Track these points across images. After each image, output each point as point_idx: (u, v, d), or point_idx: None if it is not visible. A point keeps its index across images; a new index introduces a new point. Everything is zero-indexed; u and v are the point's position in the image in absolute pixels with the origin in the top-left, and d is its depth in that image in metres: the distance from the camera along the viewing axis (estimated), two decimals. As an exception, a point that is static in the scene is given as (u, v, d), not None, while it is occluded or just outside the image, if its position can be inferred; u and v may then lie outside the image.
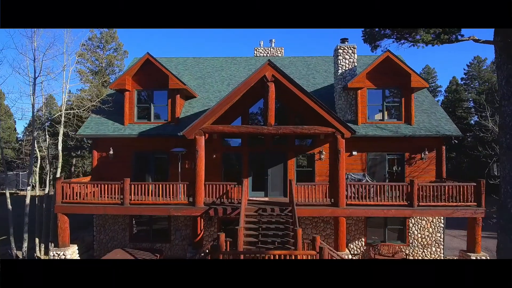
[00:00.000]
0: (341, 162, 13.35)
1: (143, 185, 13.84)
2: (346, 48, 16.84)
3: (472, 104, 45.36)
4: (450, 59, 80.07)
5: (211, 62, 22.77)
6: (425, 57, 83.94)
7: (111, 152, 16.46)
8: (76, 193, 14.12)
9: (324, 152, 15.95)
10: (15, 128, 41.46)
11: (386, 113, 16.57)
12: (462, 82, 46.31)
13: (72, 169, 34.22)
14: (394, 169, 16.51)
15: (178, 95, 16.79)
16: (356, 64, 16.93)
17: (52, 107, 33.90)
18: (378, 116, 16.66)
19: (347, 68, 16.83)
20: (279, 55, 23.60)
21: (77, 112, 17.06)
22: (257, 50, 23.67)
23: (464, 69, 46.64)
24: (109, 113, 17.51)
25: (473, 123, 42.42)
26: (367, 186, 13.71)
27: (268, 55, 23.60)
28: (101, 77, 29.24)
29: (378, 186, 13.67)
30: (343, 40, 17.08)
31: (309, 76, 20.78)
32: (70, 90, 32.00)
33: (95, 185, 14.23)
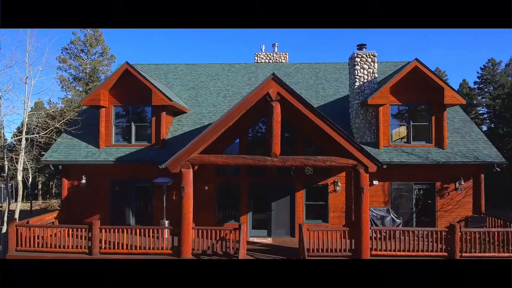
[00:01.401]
0: (364, 204, 10.58)
1: (116, 229, 11.08)
2: (365, 56, 14.09)
3: (485, 110, 42.75)
4: (461, 61, 77.31)
5: (206, 70, 20.00)
6: (435, 59, 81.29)
7: (84, 180, 13.72)
8: (36, 236, 11.39)
9: (339, 183, 13.19)
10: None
11: (412, 134, 13.81)
12: (475, 86, 43.56)
13: (53, 191, 31.41)
14: (422, 201, 13.77)
15: (164, 112, 14.04)
16: (376, 75, 14.18)
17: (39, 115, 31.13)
18: (401, 132, 13.92)
19: (365, 80, 14.08)
20: (283, 61, 20.84)
21: (37, 136, 14.30)
22: (258, 55, 20.90)
23: (478, 72, 43.86)
24: (82, 133, 14.77)
25: (485, 129, 39.84)
26: (396, 232, 10.94)
27: (271, 61, 20.84)
28: (84, 84, 26.46)
29: (410, 232, 10.88)
30: (361, 47, 14.33)
31: (317, 87, 18.02)
32: (48, 100, 29.21)
33: (56, 229, 11.48)
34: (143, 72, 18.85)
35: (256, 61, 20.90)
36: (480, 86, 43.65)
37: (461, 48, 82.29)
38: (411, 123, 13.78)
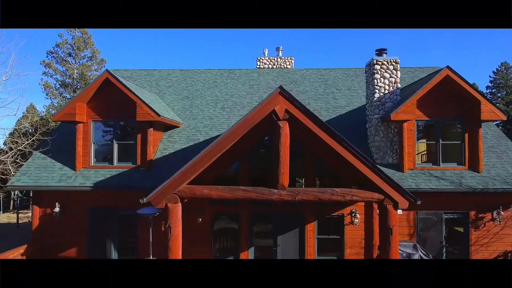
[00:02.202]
0: (393, 247, 8.53)
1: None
2: (386, 63, 12.07)
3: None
4: (472, 65, 75.28)
5: (202, 76, 17.98)
6: (443, 62, 79.27)
7: (57, 209, 11.71)
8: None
9: (358, 215, 11.16)
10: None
11: (442, 154, 11.78)
12: (487, 91, 41.52)
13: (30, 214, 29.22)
14: (453, 233, 11.73)
15: (151, 129, 12.03)
16: (399, 85, 12.15)
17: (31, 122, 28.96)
18: (422, 147, 11.90)
19: (386, 91, 12.05)
20: (288, 66, 18.82)
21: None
22: (261, 60, 18.89)
23: (490, 77, 41.85)
24: (58, 152, 12.79)
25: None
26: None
27: (274, 66, 18.83)
28: (71, 91, 24.43)
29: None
30: (380, 52, 12.31)
31: (328, 96, 15.99)
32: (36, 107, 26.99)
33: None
34: (131, 80, 16.88)
35: (258, 66, 18.89)
36: (493, 91, 41.65)
37: (468, 48, 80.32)
38: (440, 141, 11.75)
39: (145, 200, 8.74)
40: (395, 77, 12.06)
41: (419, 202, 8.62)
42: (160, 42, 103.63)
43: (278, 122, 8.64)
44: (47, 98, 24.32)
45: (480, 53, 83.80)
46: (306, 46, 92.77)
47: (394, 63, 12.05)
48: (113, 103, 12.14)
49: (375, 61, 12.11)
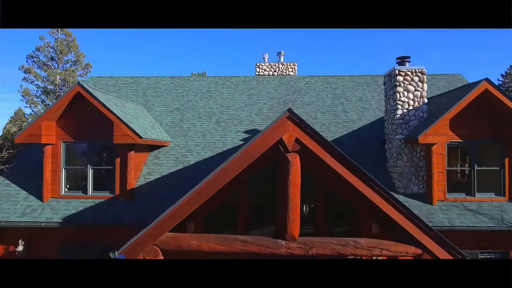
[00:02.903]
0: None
1: None
2: (410, 73, 10.23)
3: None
4: (477, 66, 73.82)
5: (195, 85, 16.10)
6: (447, 63, 77.75)
7: (20, 247, 9.83)
8: None
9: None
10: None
11: (477, 182, 9.96)
12: (495, 94, 39.84)
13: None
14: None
15: (132, 152, 10.15)
16: (425, 99, 10.32)
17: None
18: (454, 174, 10.07)
19: (411, 107, 10.22)
20: (291, 73, 16.96)
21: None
22: (260, 66, 17.01)
23: (499, 80, 40.14)
24: (26, 176, 10.92)
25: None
26: None
27: (276, 73, 16.96)
28: (54, 98, 22.42)
29: None
30: (403, 60, 10.47)
31: (337, 108, 14.15)
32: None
33: None
34: (115, 89, 15.01)
35: (257, 73, 17.02)
36: (501, 94, 39.96)
37: (468, 49, 78.81)
38: (476, 167, 9.93)
39: (116, 255, 6.85)
40: (421, 90, 10.23)
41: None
42: (153, 45, 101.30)
43: (286, 154, 6.78)
44: (27, 107, 22.40)
45: (480, 53, 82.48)
46: (308, 50, 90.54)
47: (420, 74, 10.22)
48: (87, 122, 10.26)
49: (397, 71, 10.27)
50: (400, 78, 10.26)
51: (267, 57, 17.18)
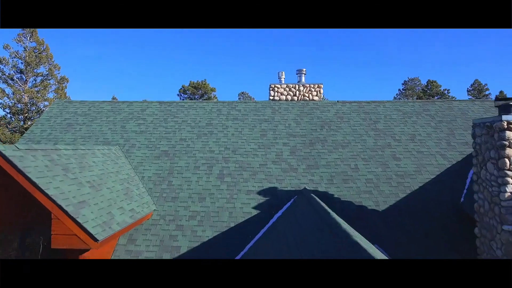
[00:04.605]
0: None
1: None
2: (529, 128, 6.44)
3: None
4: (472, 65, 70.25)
5: (191, 114, 12.29)
6: (472, 70, 74.10)
7: None
8: None
9: None
10: None
11: None
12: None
13: None
14: None
15: (88, 253, 6.38)
16: (551, 170, 6.53)
17: None
18: None
19: (529, 182, 6.43)
20: (316, 98, 13.15)
21: None
22: (276, 89, 13.21)
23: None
24: None
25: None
26: None
27: (296, 97, 13.15)
28: (20, 120, 18.57)
29: None
30: (508, 107, 6.70)
31: (383, 152, 10.38)
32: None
33: None
34: (86, 119, 11.32)
35: (272, 97, 13.20)
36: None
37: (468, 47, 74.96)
38: None
39: None
40: (546, 153, 6.45)
41: None
42: (152, 45, 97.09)
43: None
44: (-15, 132, 18.39)
45: (480, 54, 78.93)
46: (332, 67, 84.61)
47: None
48: (13, 205, 6.51)
49: (505, 124, 6.50)
50: (509, 134, 6.50)
51: (283, 76, 13.38)
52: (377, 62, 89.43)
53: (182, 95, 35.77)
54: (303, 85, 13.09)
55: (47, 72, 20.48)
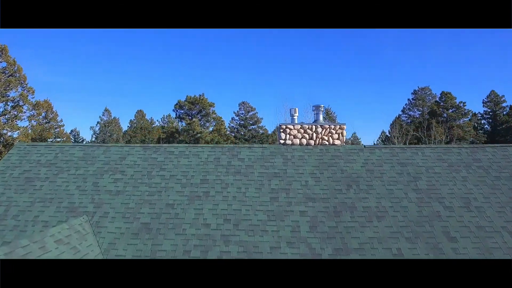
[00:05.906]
0: None
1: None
2: None
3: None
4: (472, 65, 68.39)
5: (181, 163, 9.80)
6: (487, 80, 71.90)
7: None
8: None
9: None
10: None
11: None
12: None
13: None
14: None
15: None
16: None
17: None
18: None
19: None
20: (337, 141, 10.65)
21: None
22: (286, 130, 10.69)
23: None
24: None
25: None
26: None
27: (312, 140, 10.64)
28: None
29: None
30: None
31: (431, 225, 7.89)
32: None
33: None
34: (42, 170, 8.85)
35: (282, 141, 10.69)
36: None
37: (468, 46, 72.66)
38: None
39: None
40: None
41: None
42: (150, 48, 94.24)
43: None
44: None
45: (481, 53, 76.96)
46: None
47: None
48: None
49: None
50: None
51: (296, 113, 10.89)
52: (379, 66, 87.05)
53: (178, 110, 33.31)
54: (321, 125, 10.59)
55: (22, 92, 17.60)
